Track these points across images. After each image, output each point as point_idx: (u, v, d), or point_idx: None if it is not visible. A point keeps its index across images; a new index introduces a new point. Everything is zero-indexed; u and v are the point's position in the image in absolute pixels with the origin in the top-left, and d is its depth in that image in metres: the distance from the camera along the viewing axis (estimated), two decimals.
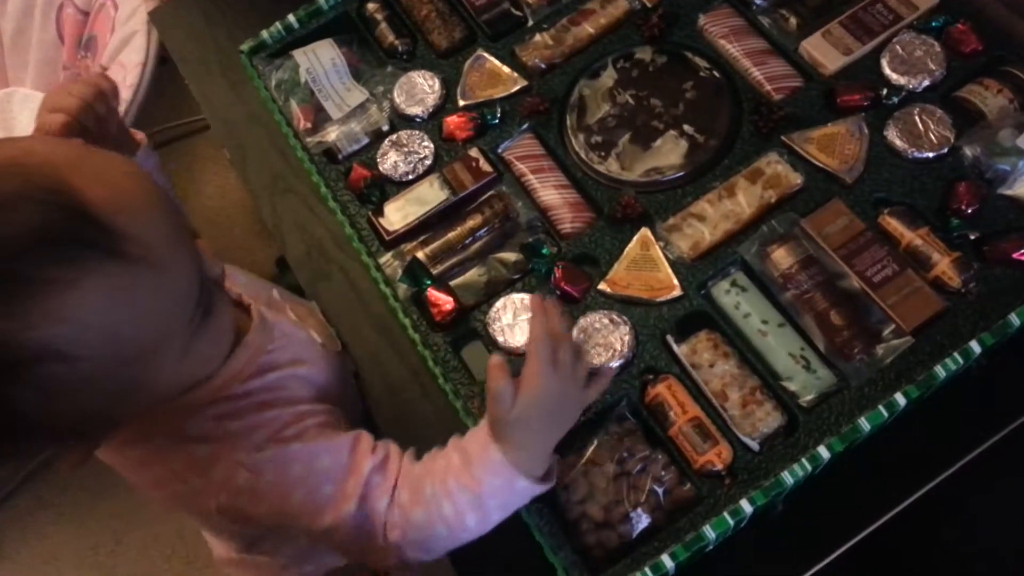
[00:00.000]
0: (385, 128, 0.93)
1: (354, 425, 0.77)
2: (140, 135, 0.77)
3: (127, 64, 1.31)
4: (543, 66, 0.93)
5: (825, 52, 0.86)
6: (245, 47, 1.00)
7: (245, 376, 0.65)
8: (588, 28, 0.93)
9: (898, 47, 0.84)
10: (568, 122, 0.89)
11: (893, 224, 0.77)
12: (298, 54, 0.97)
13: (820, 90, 0.85)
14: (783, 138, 0.83)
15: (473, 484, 0.63)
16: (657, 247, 0.80)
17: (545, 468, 0.66)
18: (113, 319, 0.48)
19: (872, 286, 0.74)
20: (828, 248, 0.76)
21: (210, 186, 1.97)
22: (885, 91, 0.83)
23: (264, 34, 1.00)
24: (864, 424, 0.69)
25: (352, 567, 0.83)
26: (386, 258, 0.85)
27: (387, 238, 0.86)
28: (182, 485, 0.63)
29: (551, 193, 0.86)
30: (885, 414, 0.69)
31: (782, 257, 0.76)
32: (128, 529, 1.67)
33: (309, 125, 0.93)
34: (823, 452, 0.69)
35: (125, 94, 1.29)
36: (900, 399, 0.70)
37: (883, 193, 0.79)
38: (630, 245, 0.81)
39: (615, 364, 0.75)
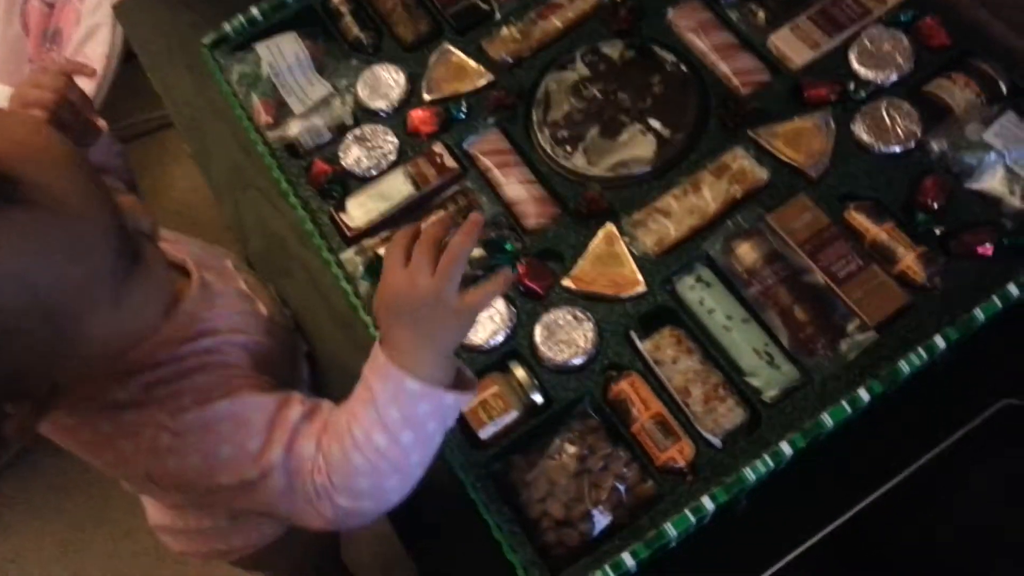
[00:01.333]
0: (349, 123, 0.92)
1: None
2: (101, 123, 0.77)
3: (92, 56, 1.29)
4: (510, 60, 0.92)
5: (793, 46, 0.85)
6: (207, 40, 0.98)
7: (179, 340, 0.64)
8: (556, 22, 0.92)
9: (866, 41, 0.83)
10: (534, 117, 0.88)
11: (859, 219, 0.76)
12: (260, 47, 0.95)
13: (788, 84, 0.84)
14: (750, 133, 0.82)
15: (369, 395, 0.62)
16: (622, 243, 0.79)
17: (439, 370, 0.63)
18: (22, 266, 0.48)
19: (837, 281, 0.73)
20: (793, 243, 0.75)
21: (181, 180, 1.95)
22: (853, 85, 0.82)
23: (227, 27, 0.98)
24: (827, 420, 0.68)
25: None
26: (348, 254, 0.84)
27: (349, 234, 0.85)
28: (112, 452, 0.63)
29: (516, 188, 0.84)
30: (848, 410, 0.69)
31: (747, 252, 0.76)
32: (96, 525, 1.65)
33: (271, 120, 0.92)
34: (786, 448, 0.68)
35: (90, 87, 1.27)
36: (863, 395, 0.69)
37: (849, 188, 0.78)
38: (595, 241, 0.80)
39: (578, 361, 0.74)
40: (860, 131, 0.80)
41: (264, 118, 0.92)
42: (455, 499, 0.73)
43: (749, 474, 0.68)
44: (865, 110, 0.80)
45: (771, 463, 0.68)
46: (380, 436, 0.62)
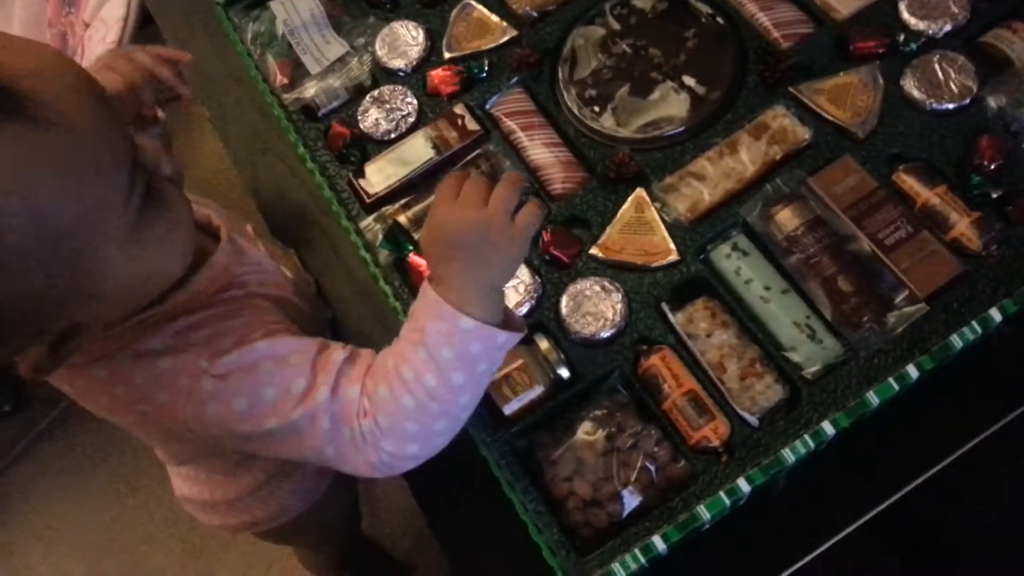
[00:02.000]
0: (367, 83, 0.88)
1: None
2: (161, 113, 0.79)
3: (108, 20, 1.26)
4: (534, 14, 0.87)
5: None
6: None
7: (211, 291, 0.63)
8: None
9: None
10: (560, 75, 0.83)
11: (908, 182, 0.71)
12: (275, 5, 0.92)
13: (832, 37, 0.79)
14: (791, 89, 0.77)
15: (420, 336, 0.60)
16: (653, 209, 0.75)
17: (491, 308, 0.61)
18: (30, 184, 0.45)
19: (884, 249, 0.69)
20: (837, 208, 0.71)
21: (208, 146, 1.93)
22: (902, 37, 0.76)
23: None
24: (872, 398, 0.64)
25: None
26: (367, 222, 0.81)
27: (368, 201, 0.81)
28: (147, 404, 0.62)
29: (541, 151, 0.80)
30: (896, 387, 0.64)
31: (787, 218, 0.71)
32: (130, 493, 1.67)
33: (286, 81, 0.88)
34: (828, 428, 0.64)
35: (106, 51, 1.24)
36: (912, 371, 0.65)
37: (898, 149, 0.73)
38: (624, 207, 0.76)
39: (606, 334, 0.71)
40: (910, 87, 0.74)
41: (280, 79, 0.89)
42: (479, 476, 0.70)
43: (788, 455, 0.64)
44: (916, 63, 0.75)
45: (811, 443, 0.64)
46: (431, 376, 0.60)
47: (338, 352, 0.63)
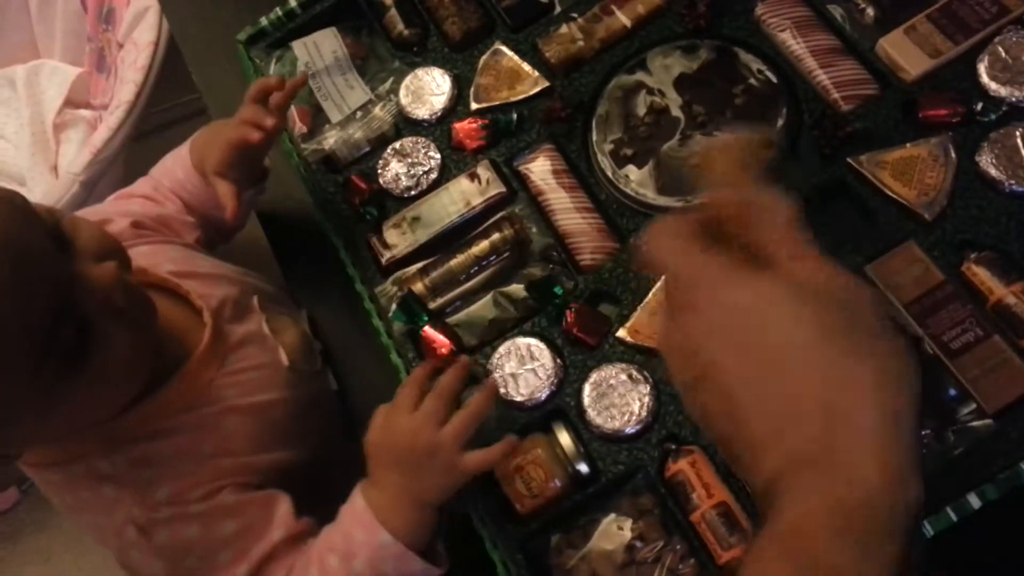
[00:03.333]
0: (390, 133, 0.83)
1: (330, 454, 0.73)
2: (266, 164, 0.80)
3: (139, 43, 1.24)
4: (569, 63, 0.81)
5: (908, 53, 0.71)
6: (243, 36, 0.90)
7: (177, 408, 0.61)
8: (623, 18, 0.80)
9: (1001, 49, 0.68)
10: (594, 132, 0.77)
11: (980, 275, 0.63)
12: (297, 45, 0.87)
13: (899, 101, 0.70)
14: (849, 161, 0.69)
15: (339, 539, 0.60)
16: None
17: (417, 529, 0.60)
18: None
19: (949, 354, 0.61)
20: (897, 302, 0.63)
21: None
22: (981, 105, 0.68)
23: (263, 21, 0.90)
24: (927, 528, 0.57)
25: None
26: (383, 286, 0.76)
27: (383, 264, 0.76)
28: (90, 518, 0.60)
29: (572, 217, 0.74)
30: (953, 517, 0.57)
31: None
32: None
33: (306, 129, 0.84)
34: None
35: (137, 76, 1.22)
36: (974, 501, 0.57)
37: (970, 235, 0.65)
38: (657, 285, 0.69)
39: (631, 430, 0.65)
40: (987, 163, 0.66)
41: (299, 127, 0.84)
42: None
43: None
44: (995, 137, 0.66)
45: None
46: None
47: (276, 532, 0.61)
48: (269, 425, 0.65)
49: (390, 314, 0.74)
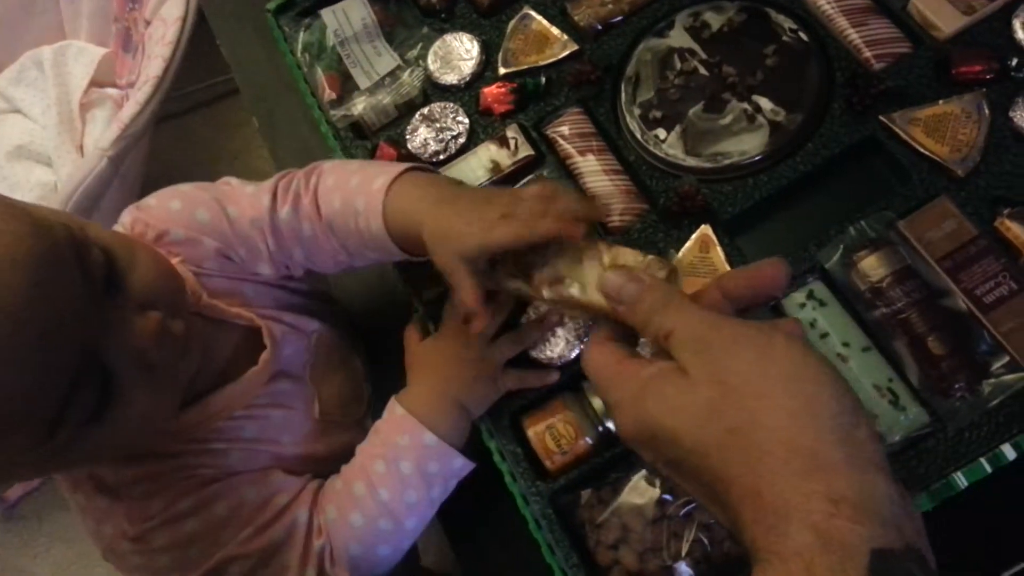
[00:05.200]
0: (418, 99, 0.83)
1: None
2: None
3: (167, 19, 1.25)
4: (599, 27, 0.81)
5: (941, 10, 0.70)
6: (272, 5, 0.91)
7: (186, 437, 0.60)
8: None
9: None
10: (623, 94, 0.77)
11: (1014, 230, 0.62)
12: (326, 13, 0.87)
13: (932, 58, 0.70)
14: (882, 118, 0.68)
15: (381, 449, 0.62)
16: (719, 249, 0.68)
17: (454, 429, 0.64)
18: None
19: (982, 308, 0.60)
20: (930, 258, 0.63)
21: (258, 147, 1.92)
22: (1015, 61, 0.67)
23: None
24: (960, 480, 0.57)
25: None
26: None
27: None
28: (82, 519, 0.59)
29: (600, 179, 0.74)
30: (988, 468, 0.57)
31: (872, 267, 0.63)
32: None
33: (335, 96, 0.84)
34: None
35: (165, 50, 1.23)
36: (1009, 452, 0.57)
37: (1003, 190, 0.64)
38: (687, 245, 0.69)
39: None
40: (1021, 119, 0.65)
41: (328, 93, 0.85)
42: (518, 535, 0.65)
43: None
44: None
45: None
46: (385, 490, 0.61)
47: (280, 496, 0.61)
48: (277, 462, 0.64)
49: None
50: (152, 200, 0.64)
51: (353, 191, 0.62)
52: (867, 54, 0.72)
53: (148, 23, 1.28)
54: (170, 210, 0.63)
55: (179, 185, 0.66)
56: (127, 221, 0.63)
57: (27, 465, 0.46)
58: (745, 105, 0.73)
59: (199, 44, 1.26)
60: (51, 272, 0.42)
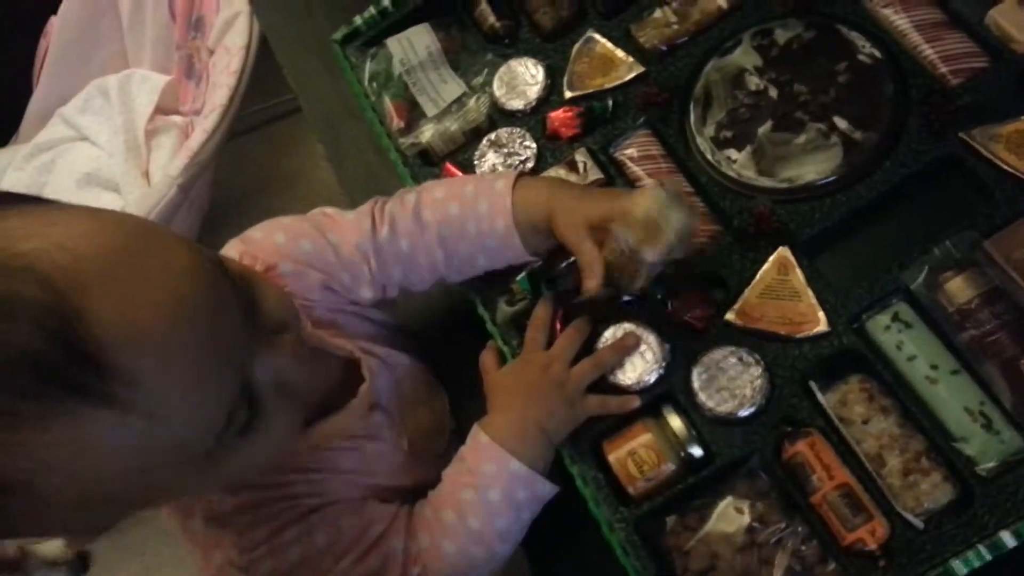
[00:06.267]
0: (484, 125, 0.84)
1: None
2: None
3: (231, 48, 1.28)
4: (663, 48, 0.81)
5: (1021, 23, 0.69)
6: (338, 35, 0.93)
7: (290, 467, 0.61)
8: (718, 0, 0.80)
9: None
10: (692, 115, 0.77)
11: None
12: (392, 43, 0.89)
13: (1012, 73, 0.68)
14: (962, 135, 0.67)
15: (469, 478, 0.63)
16: (799, 271, 0.67)
17: (538, 456, 0.65)
18: (89, 466, 0.40)
19: None
20: (1020, 278, 0.61)
21: (320, 168, 1.95)
22: None
23: (357, 20, 0.92)
24: None
25: None
26: None
27: None
28: (191, 548, 0.60)
29: None
30: None
31: (959, 288, 0.62)
32: None
33: (403, 124, 0.85)
34: (1008, 539, 0.56)
35: (230, 79, 1.26)
36: None
37: None
38: (764, 267, 0.69)
39: (744, 413, 0.65)
40: None
41: (396, 122, 0.86)
42: (600, 561, 0.66)
43: (959, 567, 0.56)
44: None
45: (987, 555, 0.56)
46: (475, 519, 0.62)
47: (376, 526, 0.63)
48: (372, 493, 0.66)
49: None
50: (257, 233, 0.67)
51: (471, 197, 0.68)
52: (943, 69, 0.70)
53: (211, 52, 1.32)
54: (276, 243, 0.66)
55: (280, 218, 0.69)
56: (234, 255, 0.64)
57: (172, 489, 0.49)
58: (819, 124, 0.72)
59: (261, 65, 1.29)
60: (221, 299, 0.45)
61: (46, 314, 0.37)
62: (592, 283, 0.64)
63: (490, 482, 0.63)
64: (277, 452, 0.56)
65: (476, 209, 0.68)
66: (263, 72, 1.35)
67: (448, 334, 0.83)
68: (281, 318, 0.52)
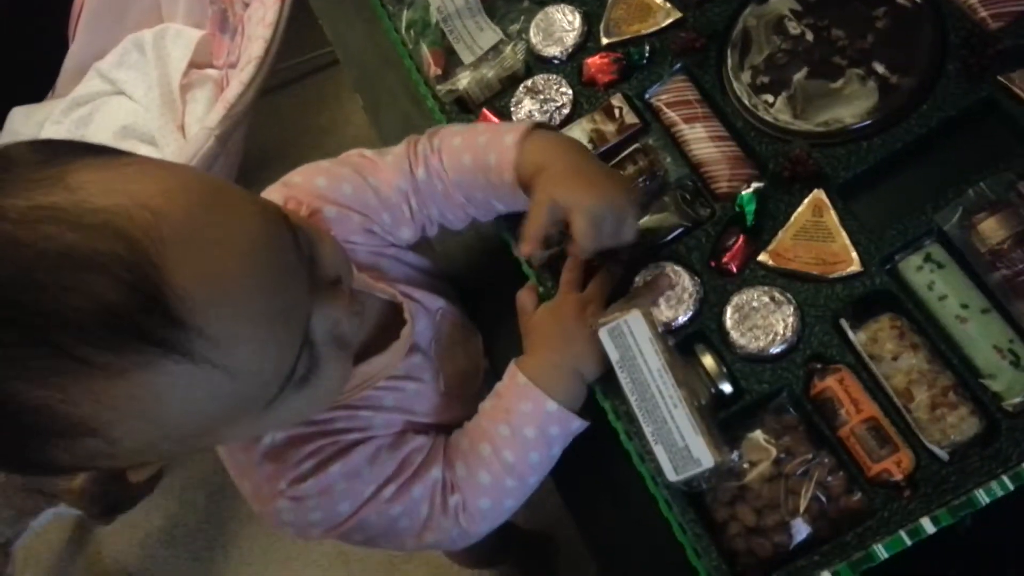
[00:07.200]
0: (521, 72, 0.85)
1: None
2: None
3: (266, 1, 1.29)
4: None
5: None
6: None
7: (338, 404, 0.63)
8: None
9: None
10: (729, 60, 0.77)
11: None
12: None
13: None
14: (1000, 78, 0.67)
15: (505, 415, 0.66)
16: (833, 212, 0.68)
17: (572, 394, 0.67)
18: (161, 413, 0.41)
19: None
20: None
21: (358, 115, 1.96)
22: None
23: None
24: None
25: None
26: None
27: None
28: (245, 486, 0.63)
29: (706, 146, 0.75)
30: None
31: (992, 229, 0.63)
32: None
33: (439, 71, 0.87)
34: None
35: (266, 32, 1.27)
36: None
37: None
38: (799, 209, 0.70)
39: (776, 350, 0.66)
40: None
41: (433, 69, 0.87)
42: (635, 494, 0.68)
43: (982, 496, 0.58)
44: None
45: (1010, 485, 0.58)
46: (510, 453, 0.65)
47: (418, 439, 0.66)
48: (411, 428, 0.68)
49: None
50: (297, 178, 0.68)
51: (482, 149, 0.68)
52: (983, 13, 0.70)
53: (247, 5, 1.33)
54: (318, 187, 0.67)
55: (319, 162, 0.70)
56: (278, 199, 0.66)
57: (229, 434, 0.51)
58: (857, 69, 0.73)
59: (295, 20, 1.31)
60: (289, 256, 0.47)
61: (126, 269, 0.38)
62: (525, 249, 0.65)
63: (526, 420, 0.65)
64: (328, 400, 0.59)
65: (487, 161, 0.68)
66: (294, 28, 1.37)
67: (482, 275, 0.84)
68: (337, 271, 0.53)
